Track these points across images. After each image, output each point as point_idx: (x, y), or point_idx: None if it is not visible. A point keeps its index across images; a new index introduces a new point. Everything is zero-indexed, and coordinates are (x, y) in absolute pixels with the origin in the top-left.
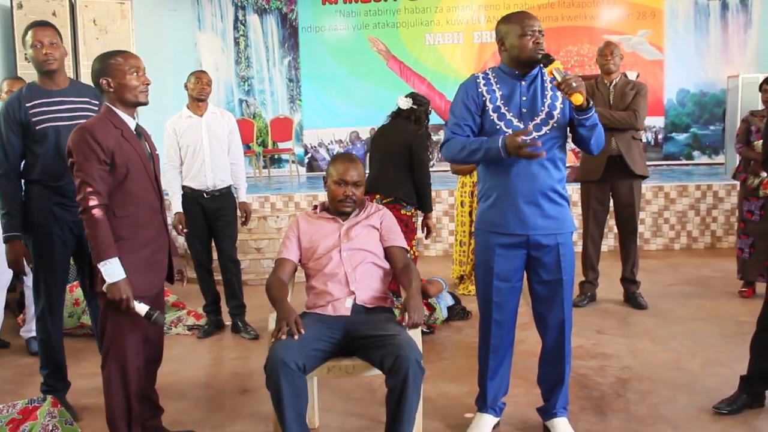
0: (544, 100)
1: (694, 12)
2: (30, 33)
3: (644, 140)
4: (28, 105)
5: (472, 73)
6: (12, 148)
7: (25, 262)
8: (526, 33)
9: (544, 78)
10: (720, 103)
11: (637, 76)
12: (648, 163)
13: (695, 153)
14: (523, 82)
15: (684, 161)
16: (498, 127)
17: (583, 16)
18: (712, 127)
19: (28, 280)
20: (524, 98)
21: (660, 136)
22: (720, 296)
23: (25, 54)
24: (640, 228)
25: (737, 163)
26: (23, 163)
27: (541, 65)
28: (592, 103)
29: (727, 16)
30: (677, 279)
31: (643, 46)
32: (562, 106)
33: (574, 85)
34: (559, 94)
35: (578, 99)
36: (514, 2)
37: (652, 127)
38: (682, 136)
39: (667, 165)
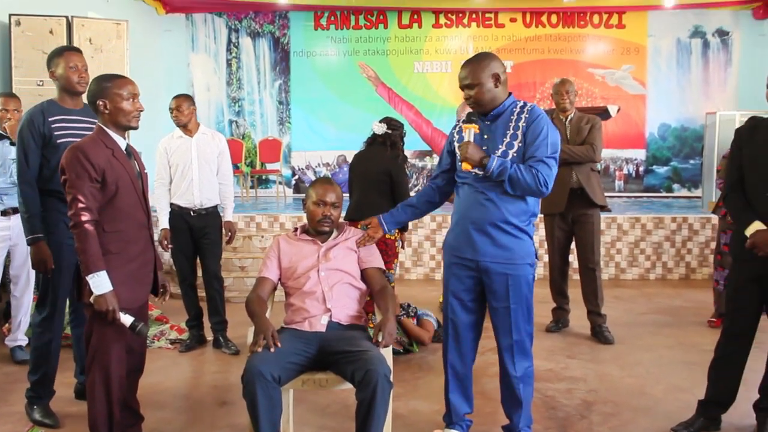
0: (504, 139)
1: (676, 49)
2: (68, 55)
3: (625, 172)
4: (50, 119)
5: (458, 101)
6: (33, 157)
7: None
8: None
9: (511, 117)
10: (700, 138)
11: (618, 110)
12: (628, 194)
13: (675, 186)
14: (488, 122)
15: (664, 194)
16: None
17: (568, 49)
18: (692, 161)
19: (16, 290)
20: (486, 137)
21: (641, 169)
22: (689, 326)
23: (53, 71)
24: (617, 257)
25: (714, 197)
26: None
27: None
28: (492, 168)
29: (708, 54)
30: (650, 308)
31: (626, 81)
32: (520, 144)
33: (463, 155)
34: (519, 133)
35: (465, 167)
36: (501, 33)
37: (633, 160)
38: (662, 169)
39: (647, 197)
